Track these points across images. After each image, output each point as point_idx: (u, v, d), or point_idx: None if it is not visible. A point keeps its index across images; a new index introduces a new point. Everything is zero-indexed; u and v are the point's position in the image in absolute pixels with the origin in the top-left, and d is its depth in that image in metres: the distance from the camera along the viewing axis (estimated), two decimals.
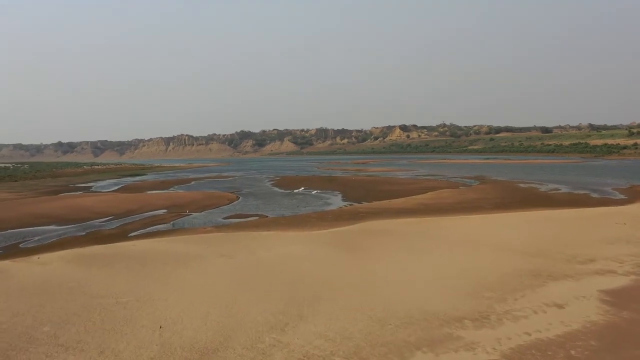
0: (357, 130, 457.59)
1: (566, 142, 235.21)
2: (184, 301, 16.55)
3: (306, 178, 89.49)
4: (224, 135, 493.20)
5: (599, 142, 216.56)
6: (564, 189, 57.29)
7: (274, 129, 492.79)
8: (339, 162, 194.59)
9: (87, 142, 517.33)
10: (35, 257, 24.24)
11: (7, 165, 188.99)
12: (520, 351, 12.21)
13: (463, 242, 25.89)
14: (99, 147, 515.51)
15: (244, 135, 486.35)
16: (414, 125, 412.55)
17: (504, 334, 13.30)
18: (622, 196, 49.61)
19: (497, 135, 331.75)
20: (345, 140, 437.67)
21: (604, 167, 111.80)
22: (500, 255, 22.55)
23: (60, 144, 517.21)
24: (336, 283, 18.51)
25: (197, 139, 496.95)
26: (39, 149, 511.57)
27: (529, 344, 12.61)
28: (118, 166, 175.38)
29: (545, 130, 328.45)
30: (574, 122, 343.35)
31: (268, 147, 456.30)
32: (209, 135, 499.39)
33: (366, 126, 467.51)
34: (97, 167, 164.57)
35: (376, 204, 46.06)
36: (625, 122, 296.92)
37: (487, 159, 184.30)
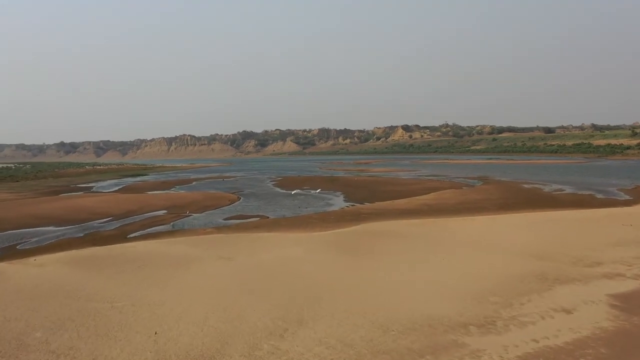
0: (360, 131, 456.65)
1: (569, 143, 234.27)
2: (181, 305, 16.14)
3: (308, 178, 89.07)
4: (226, 135, 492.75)
5: (602, 142, 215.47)
6: (568, 190, 56.72)
7: (277, 129, 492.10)
8: (341, 162, 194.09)
9: (89, 142, 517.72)
10: (32, 259, 23.90)
11: (9, 165, 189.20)
12: (527, 359, 11.77)
13: (466, 243, 25.42)
14: (102, 147, 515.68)
15: (247, 135, 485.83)
16: (417, 126, 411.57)
17: (510, 341, 12.84)
18: (628, 197, 49.03)
19: (500, 135, 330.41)
20: (348, 141, 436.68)
21: (608, 167, 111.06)
22: (505, 258, 22.07)
23: (62, 144, 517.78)
24: (337, 286, 18.07)
25: (199, 139, 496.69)
26: (41, 149, 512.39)
27: (536, 352, 12.14)
28: (120, 166, 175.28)
29: (548, 130, 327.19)
30: (577, 122, 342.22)
31: (270, 148, 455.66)
32: (211, 135, 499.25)
33: (367, 126, 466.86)
34: (98, 167, 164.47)
35: (378, 204, 45.60)
36: (628, 122, 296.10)
37: (490, 159, 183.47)
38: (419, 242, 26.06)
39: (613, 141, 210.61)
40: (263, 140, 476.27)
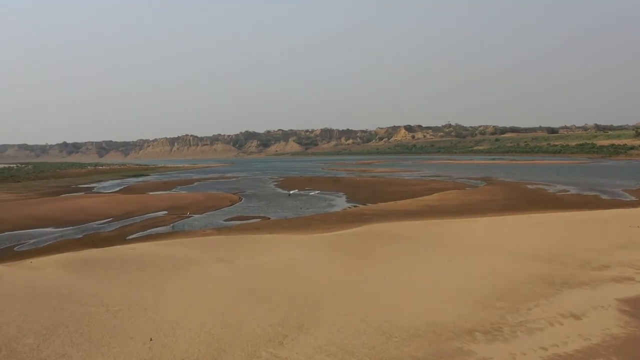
0: (362, 131, 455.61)
1: (572, 143, 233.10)
2: (178, 310, 15.71)
3: (310, 179, 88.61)
4: (228, 135, 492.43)
5: (606, 142, 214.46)
6: (572, 191, 56.13)
7: (279, 130, 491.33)
8: (343, 162, 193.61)
9: (92, 143, 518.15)
10: (28, 262, 23.51)
11: (11, 165, 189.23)
12: None
13: (470, 246, 24.92)
14: (104, 147, 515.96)
15: (249, 135, 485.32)
16: (419, 126, 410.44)
17: (518, 348, 12.36)
18: (633, 198, 48.44)
19: (503, 135, 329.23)
20: (350, 141, 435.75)
21: (612, 167, 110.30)
22: (510, 260, 21.57)
23: (65, 144, 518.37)
24: (338, 290, 17.61)
25: (201, 139, 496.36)
26: (44, 149, 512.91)
27: None
28: (122, 167, 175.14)
29: (551, 130, 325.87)
30: (580, 123, 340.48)
31: (273, 148, 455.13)
32: (213, 135, 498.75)
33: (369, 126, 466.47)
34: (101, 167, 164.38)
35: (381, 205, 45.13)
36: (632, 122, 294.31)
37: (493, 159, 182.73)
38: (422, 244, 25.58)
39: (616, 141, 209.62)
40: (265, 140, 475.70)
